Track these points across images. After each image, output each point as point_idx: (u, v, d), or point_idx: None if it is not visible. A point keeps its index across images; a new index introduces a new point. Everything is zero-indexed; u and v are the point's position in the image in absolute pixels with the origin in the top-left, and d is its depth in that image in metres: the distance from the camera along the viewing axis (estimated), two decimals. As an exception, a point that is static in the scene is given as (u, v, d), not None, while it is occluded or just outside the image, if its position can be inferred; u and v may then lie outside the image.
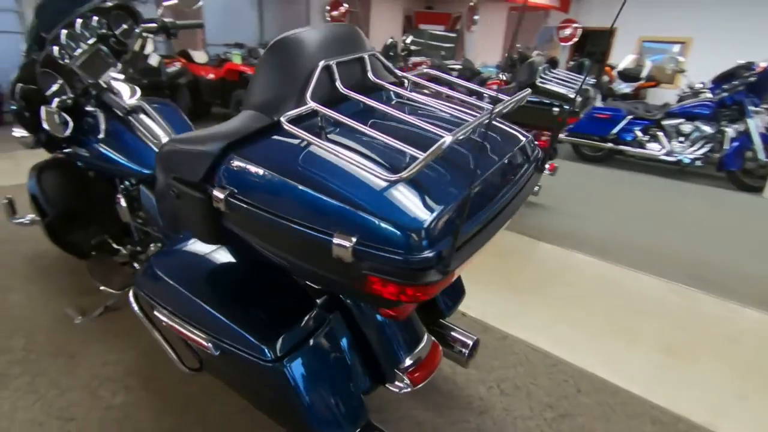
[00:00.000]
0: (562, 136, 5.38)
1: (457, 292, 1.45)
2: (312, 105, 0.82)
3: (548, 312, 2.14)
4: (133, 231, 1.73)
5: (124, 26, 1.75)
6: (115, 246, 1.86)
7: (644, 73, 6.68)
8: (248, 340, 0.93)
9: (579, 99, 2.99)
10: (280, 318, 0.99)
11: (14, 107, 1.59)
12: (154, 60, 4.97)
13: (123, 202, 1.65)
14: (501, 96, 0.94)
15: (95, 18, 1.63)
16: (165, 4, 1.75)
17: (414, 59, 6.48)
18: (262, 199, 0.79)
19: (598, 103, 5.52)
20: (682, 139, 4.98)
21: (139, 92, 1.57)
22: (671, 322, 2.15)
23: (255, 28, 8.59)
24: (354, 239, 0.68)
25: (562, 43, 9.46)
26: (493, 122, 1.00)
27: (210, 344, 0.99)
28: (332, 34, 0.97)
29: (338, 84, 0.90)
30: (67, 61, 1.51)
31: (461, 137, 0.74)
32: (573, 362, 1.78)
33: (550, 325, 2.04)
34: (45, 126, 1.41)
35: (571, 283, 2.45)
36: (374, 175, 0.71)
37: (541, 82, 3.11)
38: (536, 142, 1.05)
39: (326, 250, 0.70)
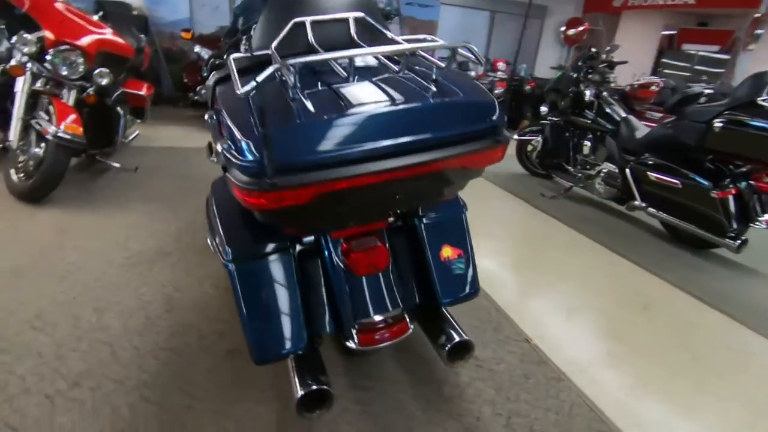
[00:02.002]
0: None
1: (460, 283, 1.33)
2: (269, 52, 0.98)
3: (648, 378, 1.63)
4: None
5: None
6: None
7: None
8: (223, 242, 1.17)
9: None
10: (254, 238, 1.18)
11: (205, 74, 2.30)
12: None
13: None
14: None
15: None
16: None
17: (642, 80, 5.58)
18: (218, 115, 1.01)
19: None
20: None
21: None
22: None
23: (484, 44, 9.01)
24: (225, 145, 0.82)
25: None
26: (451, 74, 0.97)
27: (210, 241, 1.28)
28: None
29: (310, 38, 1.03)
30: (248, 47, 2.10)
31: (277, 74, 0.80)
32: (632, 441, 1.35)
33: (637, 388, 1.56)
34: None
35: (714, 361, 1.78)
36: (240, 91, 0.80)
37: (766, 100, 2.32)
38: (503, 115, 0.92)
39: (218, 153, 0.87)
